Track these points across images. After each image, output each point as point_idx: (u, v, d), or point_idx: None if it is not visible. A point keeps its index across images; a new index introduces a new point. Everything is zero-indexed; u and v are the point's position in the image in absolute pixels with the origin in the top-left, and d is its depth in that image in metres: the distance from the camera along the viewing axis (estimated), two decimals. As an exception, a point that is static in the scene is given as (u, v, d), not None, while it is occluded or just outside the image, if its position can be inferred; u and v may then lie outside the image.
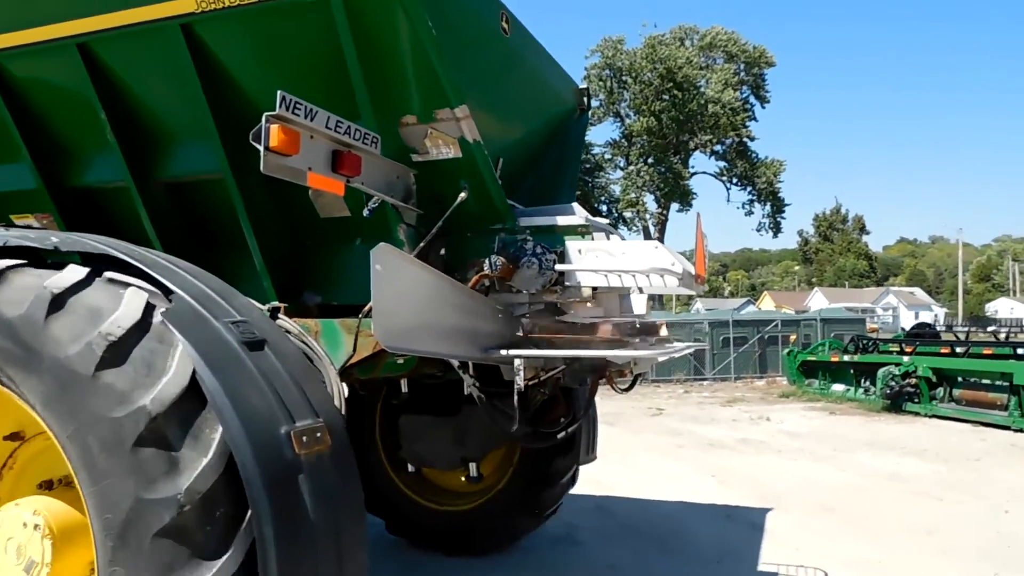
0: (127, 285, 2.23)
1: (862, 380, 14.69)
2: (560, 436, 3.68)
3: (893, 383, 12.81)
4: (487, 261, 3.01)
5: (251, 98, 3.06)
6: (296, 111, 2.32)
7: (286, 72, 3.00)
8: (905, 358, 13.18)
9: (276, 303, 2.99)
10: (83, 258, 2.34)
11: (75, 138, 3.48)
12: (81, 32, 3.06)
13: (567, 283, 3.08)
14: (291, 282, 3.49)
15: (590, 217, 3.21)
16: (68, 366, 2.01)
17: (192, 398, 1.99)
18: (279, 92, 2.26)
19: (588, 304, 3.14)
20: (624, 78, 40.69)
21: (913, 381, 12.67)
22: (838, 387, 15.59)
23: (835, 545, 5.58)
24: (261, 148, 2.24)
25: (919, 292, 75.36)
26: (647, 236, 41.39)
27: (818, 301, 62.55)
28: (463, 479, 5.25)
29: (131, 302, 2.15)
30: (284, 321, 2.66)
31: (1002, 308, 74.58)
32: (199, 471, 1.91)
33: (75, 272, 2.19)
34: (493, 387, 3.39)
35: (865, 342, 16.01)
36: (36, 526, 2.26)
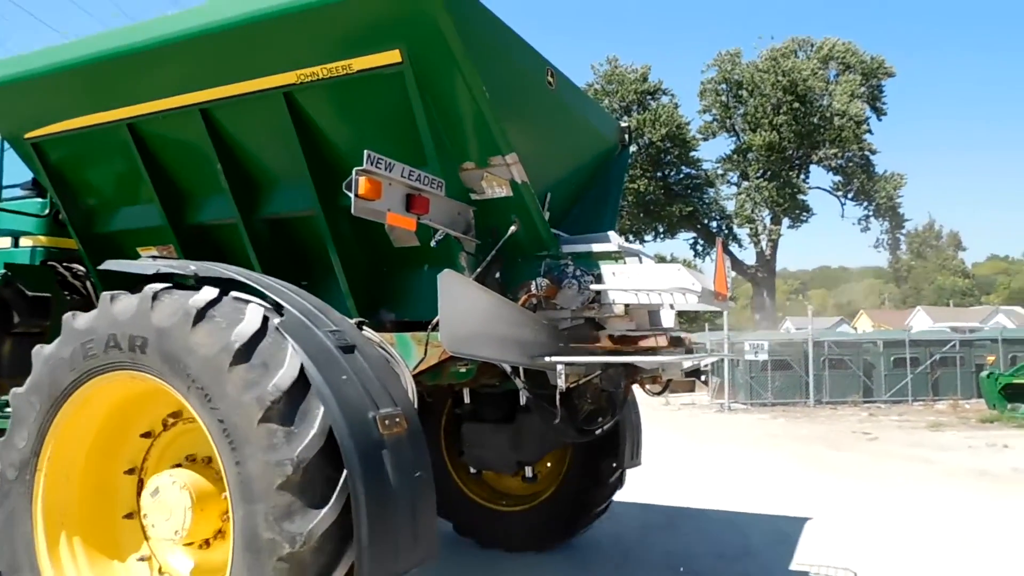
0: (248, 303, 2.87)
1: None
2: (598, 432, 4.17)
3: None
4: (534, 283, 3.57)
5: (339, 149, 3.71)
6: (378, 165, 2.93)
7: (367, 128, 3.64)
8: None
9: (360, 318, 3.60)
10: (212, 282, 2.98)
11: (194, 183, 4.20)
12: (204, 100, 3.78)
13: (603, 301, 3.60)
14: (369, 302, 4.10)
15: (623, 243, 3.73)
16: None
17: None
18: (365, 151, 2.87)
19: (622, 319, 3.65)
20: (740, 92, 39.77)
21: None
22: None
23: None
24: (352, 195, 2.85)
25: (1020, 311, 70.70)
26: (760, 254, 40.65)
27: (921, 321, 58.87)
28: (520, 481, 5.76)
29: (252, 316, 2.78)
30: (368, 332, 3.25)
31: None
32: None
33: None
34: (544, 390, 3.92)
35: None
36: (184, 497, 2.90)
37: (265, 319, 2.75)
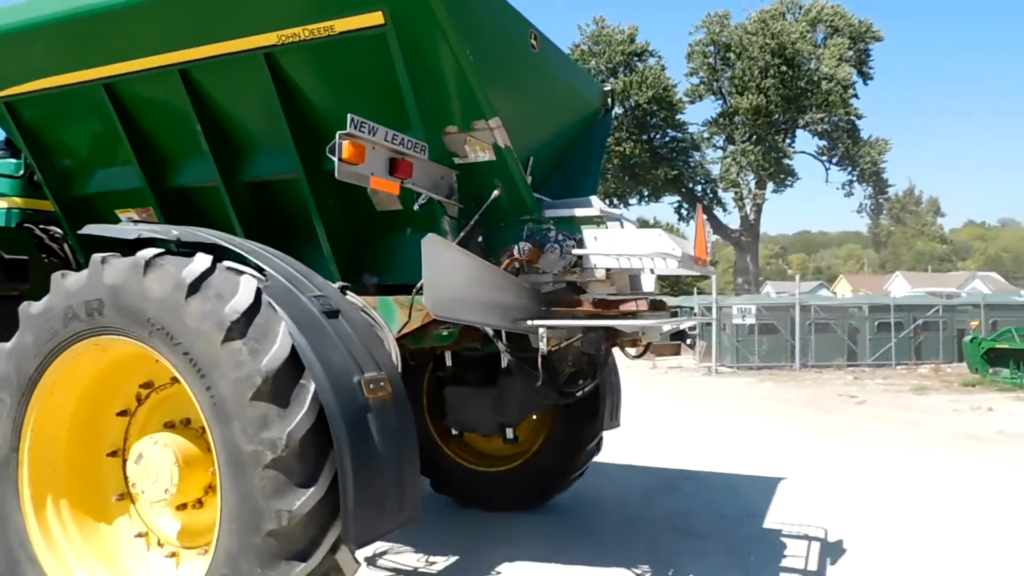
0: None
1: None
2: (579, 394, 4.25)
3: None
4: (517, 247, 3.59)
5: (321, 112, 3.68)
6: (361, 129, 2.92)
7: (349, 91, 3.60)
8: None
9: (343, 283, 3.61)
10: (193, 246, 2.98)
11: (174, 145, 4.15)
12: (183, 60, 3.71)
13: (585, 265, 3.64)
14: (352, 266, 4.11)
15: (605, 208, 3.76)
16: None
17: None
18: (349, 115, 2.86)
19: (603, 283, 3.69)
20: (728, 55, 38.99)
21: None
22: None
23: None
24: (335, 159, 2.84)
25: (995, 276, 71.43)
26: (744, 218, 40.64)
27: (899, 286, 59.09)
28: (502, 443, 5.84)
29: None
30: (351, 296, 3.27)
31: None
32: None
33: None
34: (525, 353, 3.97)
35: None
36: (168, 455, 2.93)
37: (214, 261, 2.79)
